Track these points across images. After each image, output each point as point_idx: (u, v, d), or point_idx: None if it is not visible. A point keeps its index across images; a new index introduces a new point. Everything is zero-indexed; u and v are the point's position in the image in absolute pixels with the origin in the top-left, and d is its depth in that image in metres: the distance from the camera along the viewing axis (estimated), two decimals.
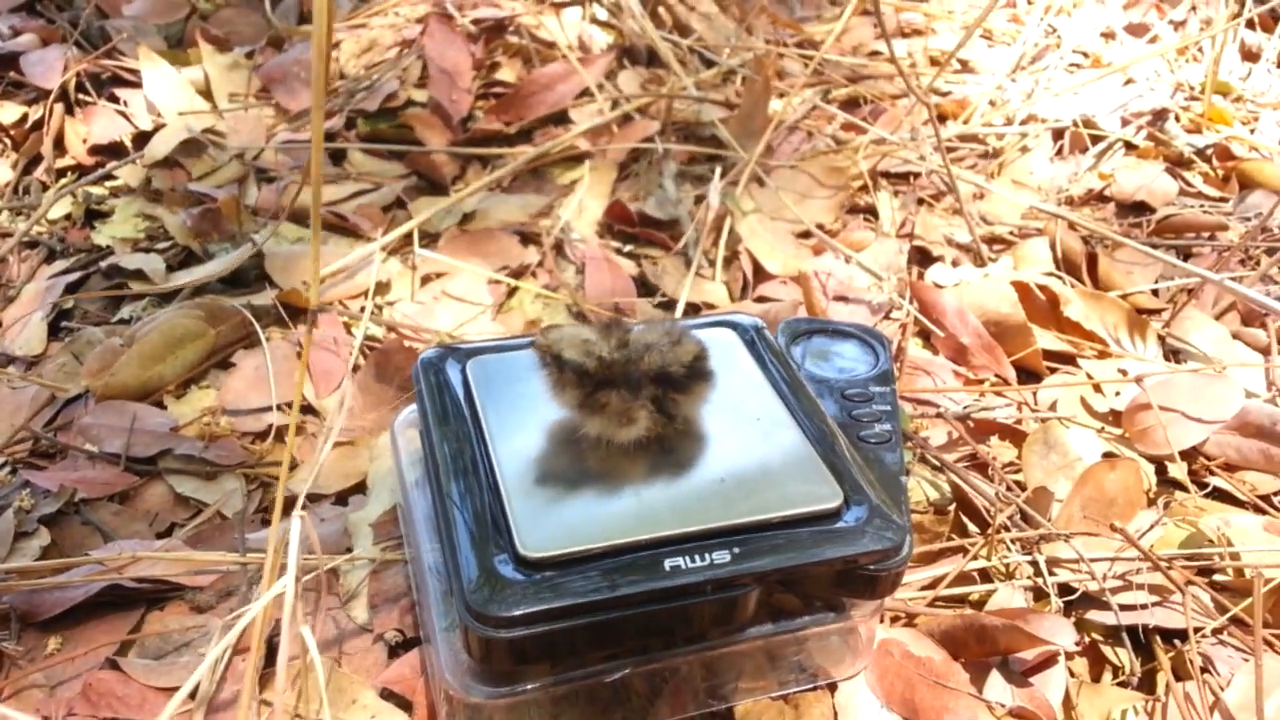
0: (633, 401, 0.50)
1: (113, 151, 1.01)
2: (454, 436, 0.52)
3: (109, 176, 0.97)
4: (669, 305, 0.83)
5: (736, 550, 0.46)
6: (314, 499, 0.65)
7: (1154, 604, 0.59)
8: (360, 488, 0.66)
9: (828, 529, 0.48)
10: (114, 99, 1.05)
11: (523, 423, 0.53)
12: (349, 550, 0.60)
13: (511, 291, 0.84)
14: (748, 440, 0.53)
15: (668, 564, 0.46)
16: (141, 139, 1.01)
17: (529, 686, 0.47)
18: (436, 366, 0.57)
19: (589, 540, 0.46)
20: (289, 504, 0.60)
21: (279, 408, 0.71)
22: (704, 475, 0.50)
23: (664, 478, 0.50)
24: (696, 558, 0.46)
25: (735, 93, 1.11)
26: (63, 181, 0.97)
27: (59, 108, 1.02)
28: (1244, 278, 0.88)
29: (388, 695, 0.52)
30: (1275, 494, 0.69)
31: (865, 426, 0.57)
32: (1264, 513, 0.67)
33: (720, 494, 0.49)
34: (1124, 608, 0.58)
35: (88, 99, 1.05)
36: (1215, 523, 0.64)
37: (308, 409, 0.71)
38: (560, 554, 0.45)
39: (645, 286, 0.86)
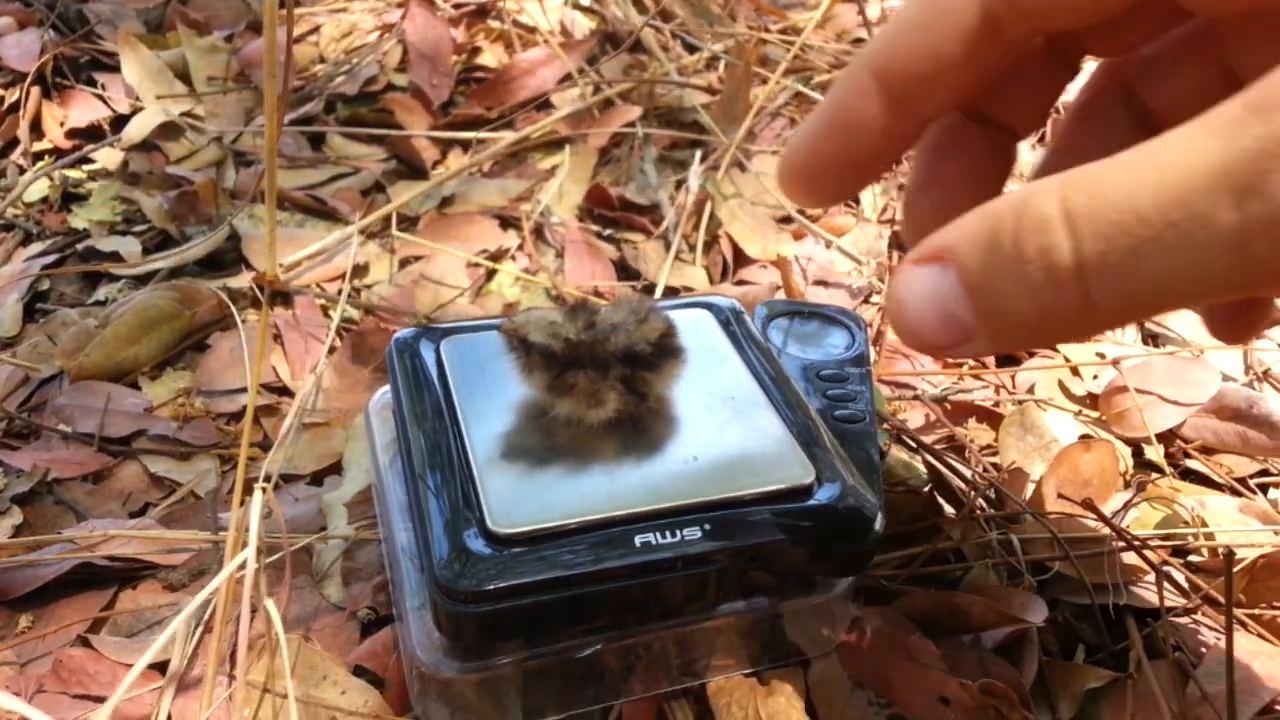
0: (601, 382, 0.50)
1: (90, 135, 1.00)
2: (426, 414, 0.52)
3: (86, 160, 0.96)
4: (649, 289, 0.83)
5: (707, 527, 0.46)
6: (288, 479, 0.65)
7: (1127, 583, 0.59)
8: (335, 468, 0.65)
9: (800, 506, 0.48)
10: (91, 83, 1.04)
11: (495, 401, 0.53)
12: (323, 529, 0.60)
13: (490, 275, 0.84)
14: (721, 419, 0.53)
15: (638, 540, 0.45)
16: (119, 122, 1.00)
17: (500, 661, 0.47)
18: (410, 346, 0.57)
19: (559, 516, 0.46)
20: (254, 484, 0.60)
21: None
22: (676, 453, 0.50)
23: (636, 455, 0.50)
24: (667, 534, 0.46)
25: (717, 79, 1.11)
26: (39, 165, 0.96)
27: (36, 91, 1.02)
28: None
29: (359, 672, 0.52)
30: (1251, 476, 0.69)
31: (840, 406, 0.57)
32: (1239, 494, 0.68)
33: (692, 471, 0.49)
34: (1097, 587, 0.58)
35: (65, 82, 1.04)
36: (1190, 504, 0.64)
37: (282, 390, 0.71)
38: (530, 529, 0.45)
39: (625, 271, 0.86)
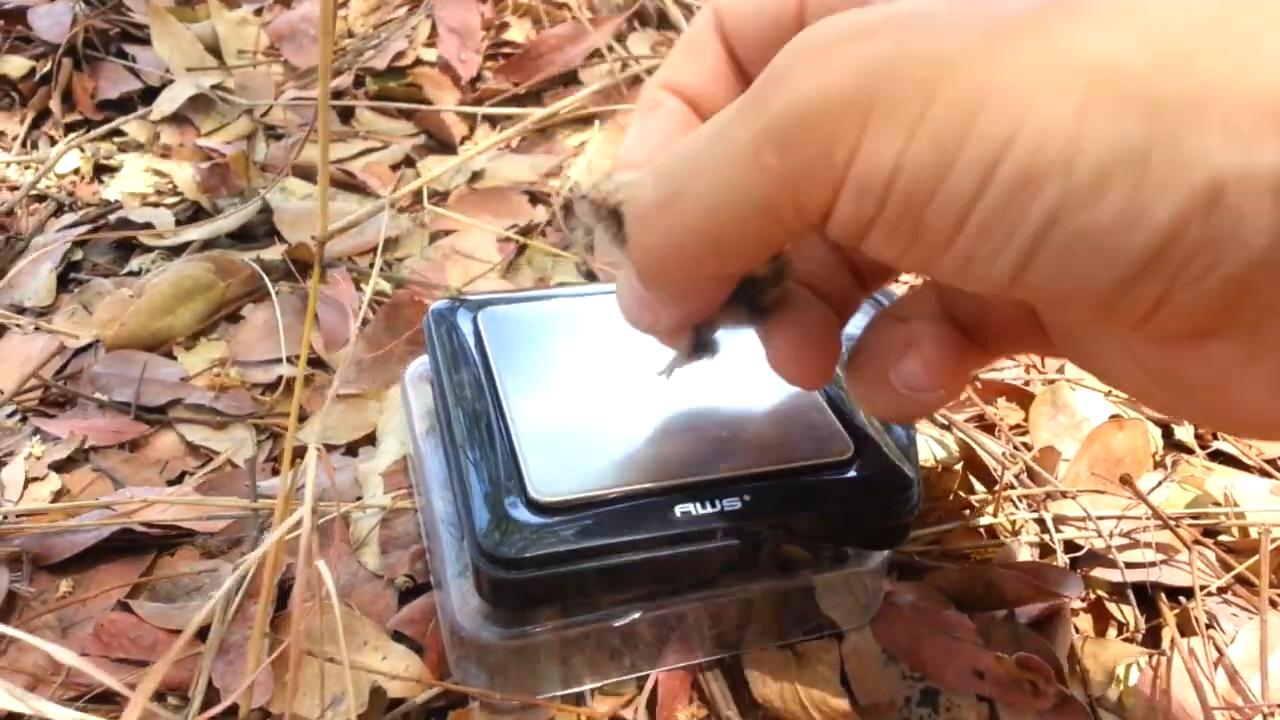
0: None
1: (121, 106, 1.00)
2: (465, 385, 0.52)
3: (117, 132, 0.97)
4: None
5: (747, 498, 0.47)
6: (324, 449, 0.65)
7: (1160, 561, 0.59)
8: (370, 439, 0.66)
9: (838, 479, 0.49)
10: (122, 54, 1.04)
11: (534, 372, 0.53)
12: (359, 499, 0.61)
13: (521, 249, 0.84)
14: (760, 392, 0.53)
15: (678, 510, 0.46)
16: (149, 94, 1.01)
17: (538, 630, 0.47)
18: (447, 317, 0.57)
19: (600, 486, 0.46)
20: (299, 452, 0.61)
21: (288, 360, 0.71)
22: (717, 425, 0.51)
23: (676, 427, 0.50)
24: (707, 504, 0.46)
25: None
26: (71, 136, 0.97)
27: (67, 62, 1.02)
28: None
29: (398, 638, 0.53)
30: None
31: None
32: (1270, 476, 0.68)
33: (732, 443, 0.49)
34: (1130, 565, 0.58)
35: (95, 54, 1.04)
36: (1221, 484, 0.64)
37: (316, 362, 0.71)
38: (572, 498, 0.46)
39: None
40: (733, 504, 0.46)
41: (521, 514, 0.45)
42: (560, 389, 0.52)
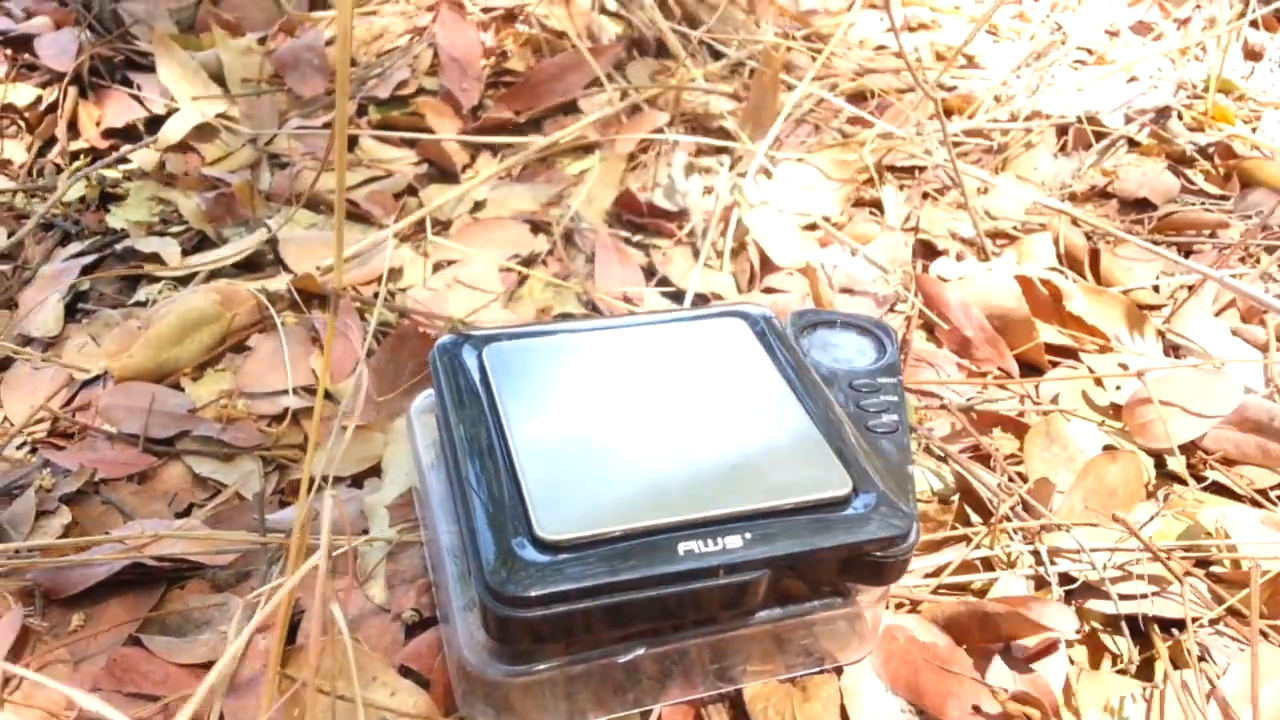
0: None
1: (126, 135, 1.01)
2: (471, 421, 0.53)
3: (123, 160, 0.98)
4: (677, 296, 0.85)
5: (748, 535, 0.48)
6: (329, 480, 0.66)
7: (1153, 594, 0.60)
8: (375, 471, 0.67)
9: (837, 516, 0.50)
10: (127, 82, 1.06)
11: (539, 408, 0.54)
12: (365, 532, 0.62)
13: (522, 279, 0.85)
14: (759, 428, 0.54)
15: (681, 548, 0.47)
16: (154, 123, 1.02)
17: (544, 666, 0.48)
18: (452, 352, 0.58)
19: (605, 523, 0.47)
20: (310, 485, 0.62)
21: (294, 391, 0.72)
22: (717, 462, 0.52)
23: (678, 463, 0.51)
24: (709, 542, 0.47)
25: (743, 84, 1.12)
26: (77, 164, 0.98)
27: (73, 90, 1.03)
28: (1243, 275, 0.90)
29: (406, 672, 0.54)
30: (1272, 488, 0.70)
31: (873, 416, 0.58)
32: (1261, 506, 0.69)
33: (733, 480, 0.50)
34: (1123, 597, 0.59)
35: (101, 82, 1.05)
36: (1213, 516, 0.66)
37: (323, 395, 0.72)
38: (577, 536, 0.47)
39: (654, 276, 0.88)
40: (734, 542, 0.47)
41: (528, 552, 0.46)
42: (564, 425, 0.53)
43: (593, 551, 0.46)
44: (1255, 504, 0.69)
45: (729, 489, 0.50)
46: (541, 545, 0.46)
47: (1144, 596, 0.59)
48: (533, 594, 0.44)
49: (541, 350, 0.59)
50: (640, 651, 0.49)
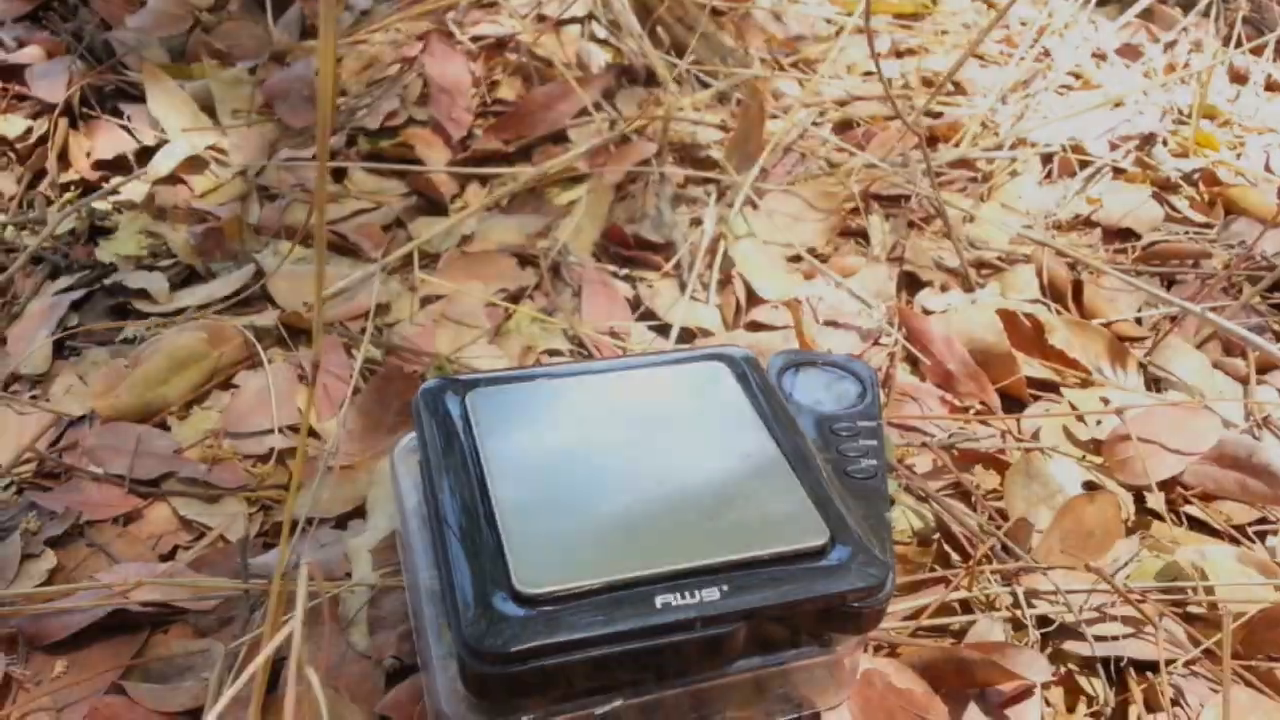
0: None
1: (116, 166, 1.02)
2: (453, 469, 0.54)
3: (113, 192, 0.98)
4: (664, 329, 0.85)
5: (725, 588, 0.48)
6: (313, 523, 0.66)
7: (1128, 636, 0.61)
8: (359, 512, 0.67)
9: (813, 567, 0.50)
10: (117, 113, 1.06)
11: (520, 457, 0.54)
12: (348, 575, 0.62)
13: (509, 314, 0.86)
14: (738, 476, 0.54)
15: (659, 600, 0.47)
16: (145, 154, 1.02)
17: (524, 717, 0.49)
18: (436, 398, 0.59)
19: (583, 576, 0.48)
20: (292, 530, 0.62)
21: (280, 430, 0.73)
22: (695, 511, 0.52)
23: (656, 513, 0.52)
24: (686, 595, 0.48)
25: (731, 113, 1.13)
26: (67, 197, 0.98)
27: (63, 122, 1.04)
28: (1225, 307, 0.90)
29: None
30: (1250, 524, 0.71)
31: (852, 461, 0.59)
32: (1238, 543, 0.69)
33: (710, 531, 0.51)
34: (1099, 639, 0.60)
35: (91, 113, 1.06)
36: (1191, 555, 0.66)
37: (308, 432, 0.73)
38: (555, 590, 0.47)
39: (640, 310, 0.88)
40: (711, 594, 0.48)
41: (507, 607, 0.46)
42: (545, 474, 0.54)
43: (572, 605, 0.47)
44: (1233, 540, 0.70)
45: (707, 539, 0.50)
46: (521, 599, 0.47)
47: (1119, 639, 0.60)
48: (511, 650, 0.45)
49: (524, 396, 0.60)
50: (619, 703, 0.50)
